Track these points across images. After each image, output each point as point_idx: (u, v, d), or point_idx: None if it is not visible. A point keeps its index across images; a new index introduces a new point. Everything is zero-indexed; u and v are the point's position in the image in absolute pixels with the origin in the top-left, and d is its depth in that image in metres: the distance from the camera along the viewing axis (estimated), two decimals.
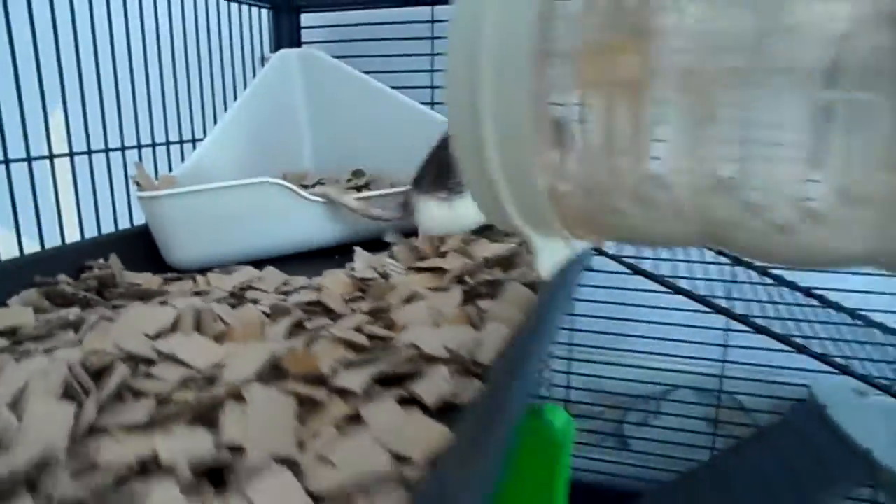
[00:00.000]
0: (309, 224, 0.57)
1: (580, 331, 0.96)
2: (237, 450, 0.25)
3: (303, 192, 0.57)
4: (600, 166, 0.26)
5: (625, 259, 0.73)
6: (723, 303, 0.69)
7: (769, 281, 0.78)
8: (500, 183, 0.27)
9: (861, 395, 0.75)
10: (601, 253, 0.73)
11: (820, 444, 0.69)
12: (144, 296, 0.45)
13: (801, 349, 0.64)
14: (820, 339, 0.67)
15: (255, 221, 0.55)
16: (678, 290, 0.70)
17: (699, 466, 0.85)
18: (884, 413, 0.70)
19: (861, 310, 0.74)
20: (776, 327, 0.66)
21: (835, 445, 0.68)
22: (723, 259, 0.77)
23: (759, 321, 0.66)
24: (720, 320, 0.76)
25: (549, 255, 0.30)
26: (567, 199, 0.27)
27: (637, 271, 0.71)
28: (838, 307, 0.76)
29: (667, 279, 0.72)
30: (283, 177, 0.65)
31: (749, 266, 0.77)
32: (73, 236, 0.54)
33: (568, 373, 0.99)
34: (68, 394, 0.28)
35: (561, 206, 0.28)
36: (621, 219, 0.27)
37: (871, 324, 0.72)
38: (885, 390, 0.64)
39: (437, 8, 0.82)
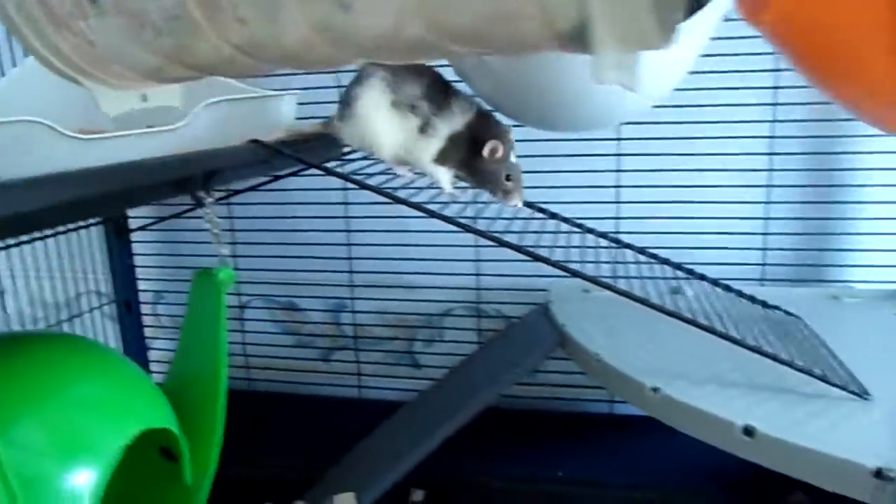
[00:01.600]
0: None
1: (360, 258, 1.00)
2: None
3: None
4: None
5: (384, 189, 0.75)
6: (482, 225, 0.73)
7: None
8: None
9: (586, 291, 0.86)
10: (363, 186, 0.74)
11: (538, 330, 0.80)
12: None
13: (540, 258, 0.68)
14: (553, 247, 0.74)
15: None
16: (431, 213, 0.73)
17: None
18: (600, 303, 0.81)
19: (580, 218, 0.82)
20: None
21: (545, 325, 0.78)
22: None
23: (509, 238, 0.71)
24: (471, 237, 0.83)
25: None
26: None
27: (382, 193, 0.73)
28: (565, 219, 0.84)
29: (423, 205, 0.75)
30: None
31: None
32: None
33: (352, 298, 1.04)
34: None
35: None
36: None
37: (589, 231, 0.81)
38: (606, 287, 0.71)
39: None
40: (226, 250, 0.60)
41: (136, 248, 1.03)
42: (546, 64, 0.59)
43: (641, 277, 0.69)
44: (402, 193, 0.60)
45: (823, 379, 0.59)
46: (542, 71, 0.60)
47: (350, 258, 1.01)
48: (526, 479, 0.87)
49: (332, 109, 0.63)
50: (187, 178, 0.56)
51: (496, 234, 0.64)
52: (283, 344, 1.08)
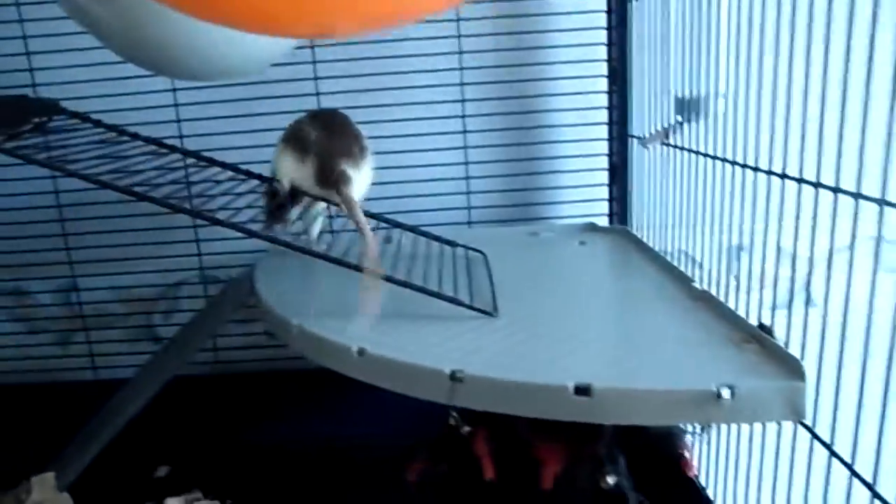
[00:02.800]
0: None
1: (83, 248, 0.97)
2: None
3: None
4: None
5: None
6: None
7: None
8: None
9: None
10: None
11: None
12: None
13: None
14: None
15: None
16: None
17: None
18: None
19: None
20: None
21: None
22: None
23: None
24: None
25: None
26: None
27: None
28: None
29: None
30: None
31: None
32: None
33: (76, 290, 1.00)
34: None
35: None
36: None
37: None
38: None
39: None
40: None
41: None
42: (157, 19, 0.59)
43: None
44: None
45: (452, 300, 0.63)
46: (154, 25, 0.60)
47: (65, 234, 0.97)
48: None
49: None
50: None
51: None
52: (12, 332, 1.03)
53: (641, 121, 0.85)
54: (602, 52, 0.89)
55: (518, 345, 0.57)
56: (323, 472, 0.87)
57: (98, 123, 0.80)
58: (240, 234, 0.64)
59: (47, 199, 0.95)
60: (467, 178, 0.94)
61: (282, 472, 0.87)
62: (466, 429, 0.67)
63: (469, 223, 0.95)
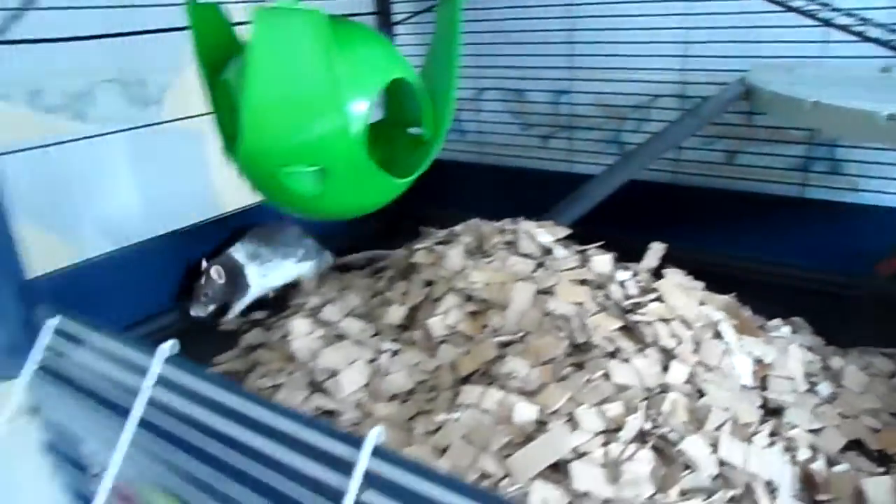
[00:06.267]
0: None
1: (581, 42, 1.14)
2: None
3: None
4: None
5: None
6: None
7: None
8: None
9: (789, 71, 0.91)
10: None
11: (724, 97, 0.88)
12: None
13: None
14: None
15: None
16: None
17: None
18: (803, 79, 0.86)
19: None
20: None
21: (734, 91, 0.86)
22: None
23: None
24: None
25: None
26: None
27: None
28: None
29: None
30: None
31: None
32: None
33: (571, 91, 1.18)
34: None
35: None
36: None
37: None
38: None
39: None
40: None
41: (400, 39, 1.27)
42: None
43: None
44: None
45: None
46: None
47: (572, 42, 1.15)
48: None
49: None
50: None
51: None
52: (509, 122, 1.27)
53: None
54: None
55: None
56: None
57: None
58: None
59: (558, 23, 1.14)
60: None
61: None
62: None
63: None
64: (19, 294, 0.80)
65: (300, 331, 0.73)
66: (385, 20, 1.29)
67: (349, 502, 0.46)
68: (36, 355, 0.72)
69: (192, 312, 0.90)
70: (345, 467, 0.47)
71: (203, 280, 0.90)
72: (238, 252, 0.95)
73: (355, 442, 0.47)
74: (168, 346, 0.61)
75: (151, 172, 1.03)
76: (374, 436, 0.47)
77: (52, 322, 0.73)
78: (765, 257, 1.03)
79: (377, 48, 0.71)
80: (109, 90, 1.12)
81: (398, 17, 1.29)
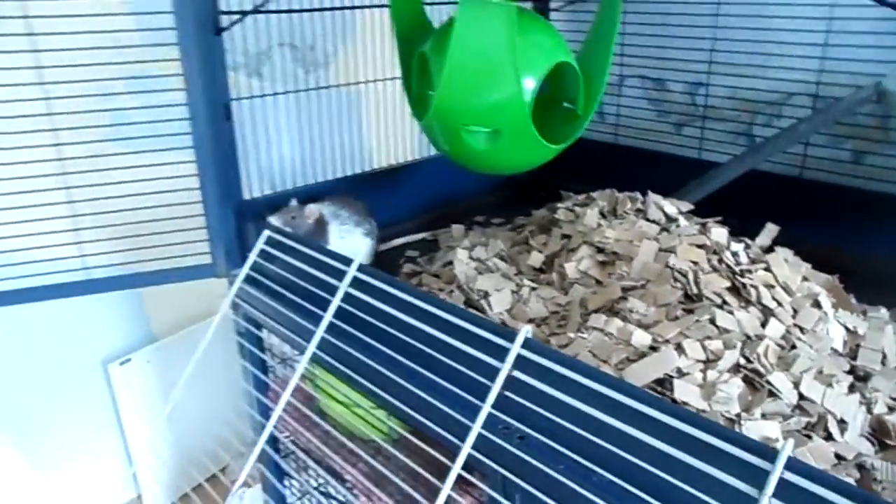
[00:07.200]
0: None
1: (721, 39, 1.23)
2: None
3: None
4: None
5: None
6: None
7: None
8: None
9: None
10: None
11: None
12: None
13: None
14: None
15: None
16: None
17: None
18: None
19: None
20: None
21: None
22: None
23: None
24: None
25: None
26: None
27: None
28: None
29: None
30: None
31: None
32: None
33: (709, 84, 1.28)
34: None
35: None
36: None
37: None
38: None
39: None
40: None
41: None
42: None
43: None
44: None
45: None
46: None
47: (714, 39, 1.25)
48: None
49: None
50: None
51: None
52: (646, 108, 1.39)
53: None
54: None
55: None
56: None
57: None
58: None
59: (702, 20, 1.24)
60: None
61: None
62: None
63: None
64: (237, 210, 1.02)
65: (462, 258, 0.90)
66: (543, 6, 1.44)
67: (503, 376, 0.62)
68: (249, 261, 0.93)
69: (270, 217, 0.98)
70: (501, 352, 0.63)
71: (294, 204, 1.00)
72: (325, 208, 1.03)
73: (510, 335, 0.63)
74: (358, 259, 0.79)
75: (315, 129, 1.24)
76: (525, 330, 0.62)
77: (264, 234, 0.93)
78: (880, 254, 1.10)
79: (549, 36, 0.86)
80: (283, 53, 1.34)
81: (555, 5, 1.43)
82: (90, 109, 0.91)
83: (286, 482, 1.08)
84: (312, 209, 1.00)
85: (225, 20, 0.93)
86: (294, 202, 1.02)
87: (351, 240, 1.04)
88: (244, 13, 0.97)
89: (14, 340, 1.42)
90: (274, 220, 0.97)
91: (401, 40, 0.94)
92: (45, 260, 0.92)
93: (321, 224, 1.01)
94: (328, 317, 0.79)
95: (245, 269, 0.93)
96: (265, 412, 0.91)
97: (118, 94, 0.98)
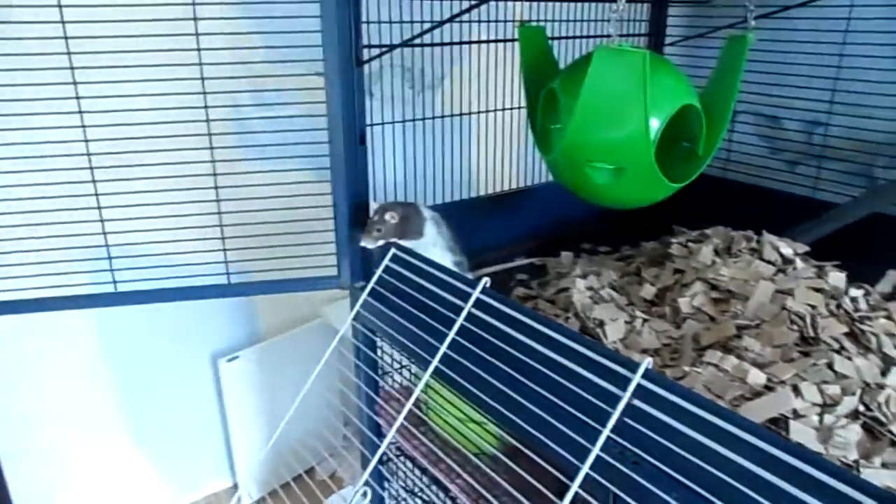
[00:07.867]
0: None
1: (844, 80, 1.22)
2: None
3: None
4: None
5: None
6: None
7: None
8: None
9: None
10: None
11: None
12: None
13: None
14: None
15: None
16: None
17: None
18: None
19: None
20: None
21: None
22: None
23: None
24: None
25: None
26: None
27: None
28: None
29: None
30: None
31: None
32: None
33: (828, 124, 1.27)
34: None
35: None
36: None
37: None
38: None
39: None
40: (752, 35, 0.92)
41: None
42: None
43: None
44: None
45: None
46: None
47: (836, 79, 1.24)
48: None
49: None
50: None
51: None
52: (759, 144, 1.39)
53: None
54: None
55: None
56: None
57: None
58: None
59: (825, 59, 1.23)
60: None
61: None
62: None
63: None
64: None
65: (580, 287, 0.94)
66: (657, 41, 1.46)
67: (623, 402, 0.66)
68: (375, 275, 1.00)
69: (362, 243, 1.00)
70: (619, 379, 0.67)
71: (376, 217, 1.00)
72: (427, 211, 1.03)
73: (631, 365, 0.67)
74: (483, 282, 0.84)
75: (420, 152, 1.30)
76: (647, 362, 0.66)
77: (391, 252, 0.99)
78: None
79: (675, 79, 0.89)
80: (394, 73, 1.42)
81: (669, 40, 1.45)
82: (237, 131, 1.01)
83: (385, 485, 1.15)
84: (388, 216, 1.00)
85: (366, 53, 1.01)
86: (374, 204, 1.05)
87: (442, 254, 1.03)
88: (392, 47, 1.04)
89: (138, 333, 1.56)
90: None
91: (528, 75, 1.00)
92: (197, 263, 1.02)
93: (409, 218, 1.01)
94: (452, 333, 0.84)
95: (371, 283, 1.00)
96: (372, 419, 0.98)
97: (265, 118, 1.08)
